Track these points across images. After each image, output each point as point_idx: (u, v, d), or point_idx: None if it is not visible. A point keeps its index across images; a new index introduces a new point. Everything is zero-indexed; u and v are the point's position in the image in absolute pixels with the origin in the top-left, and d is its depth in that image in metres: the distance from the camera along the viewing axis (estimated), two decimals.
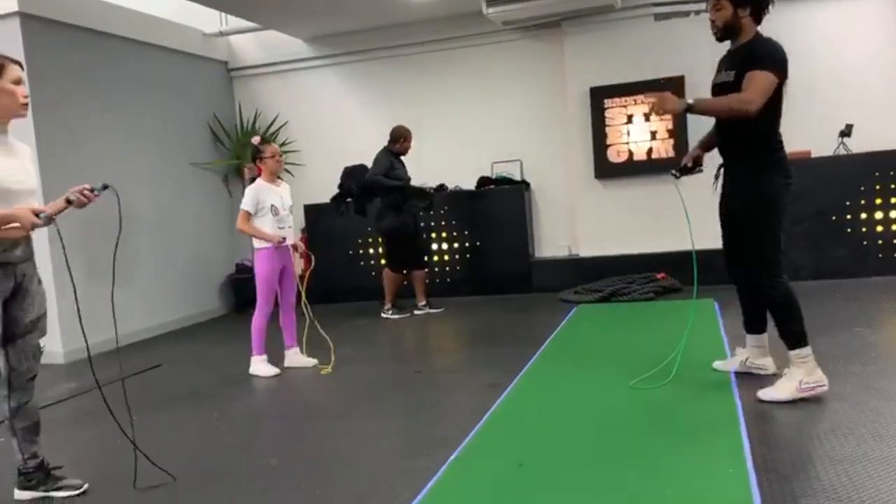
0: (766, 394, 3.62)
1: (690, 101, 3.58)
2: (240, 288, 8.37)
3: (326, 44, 8.46)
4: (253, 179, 5.32)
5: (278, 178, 5.32)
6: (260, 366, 5.18)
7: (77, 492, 3.18)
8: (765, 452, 2.98)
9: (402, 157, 7.05)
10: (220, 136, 8.53)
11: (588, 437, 3.38)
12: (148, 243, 7.26)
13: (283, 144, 8.27)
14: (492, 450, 3.33)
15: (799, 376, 3.55)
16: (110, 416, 3.23)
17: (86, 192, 3.00)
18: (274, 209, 5.11)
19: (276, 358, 5.26)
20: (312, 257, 5.60)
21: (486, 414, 3.78)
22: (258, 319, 5.15)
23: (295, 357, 5.34)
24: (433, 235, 7.99)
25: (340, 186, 8.11)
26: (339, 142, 8.41)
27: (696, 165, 3.96)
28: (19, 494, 3.19)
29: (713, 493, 2.67)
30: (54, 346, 6.01)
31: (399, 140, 7.00)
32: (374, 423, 3.90)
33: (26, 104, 3.04)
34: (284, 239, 5.10)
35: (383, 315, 7.13)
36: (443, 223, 7.96)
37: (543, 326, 5.87)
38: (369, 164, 7.16)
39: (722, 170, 3.81)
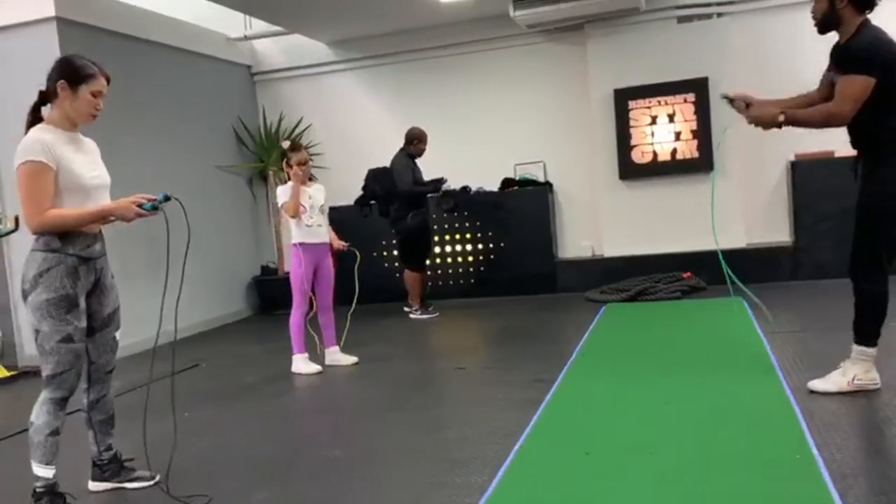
0: (816, 385, 3.69)
1: (781, 117, 3.55)
2: (265, 290, 8.43)
3: (350, 47, 8.54)
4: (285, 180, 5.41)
5: (309, 178, 5.39)
6: (301, 364, 5.24)
7: (149, 483, 3.23)
8: (827, 439, 3.04)
9: (416, 160, 7.13)
10: (244, 138, 8.60)
11: (647, 427, 3.44)
12: (174, 245, 7.29)
13: (306, 147, 8.30)
14: (554, 439, 3.40)
15: (854, 372, 3.60)
16: (166, 412, 3.34)
17: (135, 208, 2.96)
18: (301, 207, 5.20)
19: (317, 356, 5.33)
20: (357, 252, 5.65)
21: (539, 406, 3.84)
22: (295, 318, 5.22)
23: (335, 355, 5.40)
24: (457, 237, 8.07)
25: (365, 188, 8.17)
26: (363, 144, 8.47)
27: (748, 106, 3.76)
28: (94, 486, 3.25)
29: (785, 479, 2.72)
30: None
31: (414, 141, 7.08)
32: (429, 416, 3.96)
33: (95, 116, 3.05)
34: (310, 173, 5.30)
35: (412, 315, 7.20)
36: (467, 224, 8.03)
37: (574, 325, 5.94)
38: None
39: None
